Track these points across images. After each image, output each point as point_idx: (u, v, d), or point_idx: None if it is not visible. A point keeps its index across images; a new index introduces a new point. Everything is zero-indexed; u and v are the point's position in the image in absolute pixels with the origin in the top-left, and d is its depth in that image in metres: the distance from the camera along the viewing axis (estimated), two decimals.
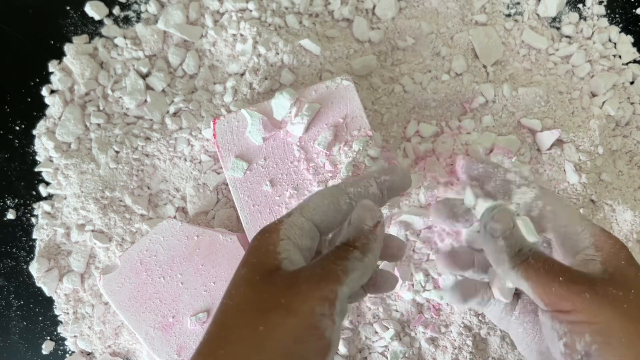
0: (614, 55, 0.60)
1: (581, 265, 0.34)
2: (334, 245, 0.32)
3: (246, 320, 0.28)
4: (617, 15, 0.61)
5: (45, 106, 0.56)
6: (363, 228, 0.33)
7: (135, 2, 0.58)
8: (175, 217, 0.52)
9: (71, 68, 0.55)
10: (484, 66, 0.58)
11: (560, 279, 0.32)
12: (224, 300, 0.30)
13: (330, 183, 0.47)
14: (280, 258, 0.30)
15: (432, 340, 0.51)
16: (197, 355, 0.28)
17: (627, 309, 0.31)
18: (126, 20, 0.58)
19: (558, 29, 0.60)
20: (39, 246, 0.54)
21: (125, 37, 0.56)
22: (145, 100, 0.55)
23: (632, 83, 0.59)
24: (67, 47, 0.56)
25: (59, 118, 0.55)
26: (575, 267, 0.34)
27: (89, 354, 0.53)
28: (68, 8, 0.57)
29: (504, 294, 0.38)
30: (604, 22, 0.60)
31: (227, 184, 0.53)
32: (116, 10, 0.58)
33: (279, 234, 0.31)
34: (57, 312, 0.54)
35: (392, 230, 0.49)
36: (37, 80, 0.56)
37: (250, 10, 0.56)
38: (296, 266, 0.31)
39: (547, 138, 0.55)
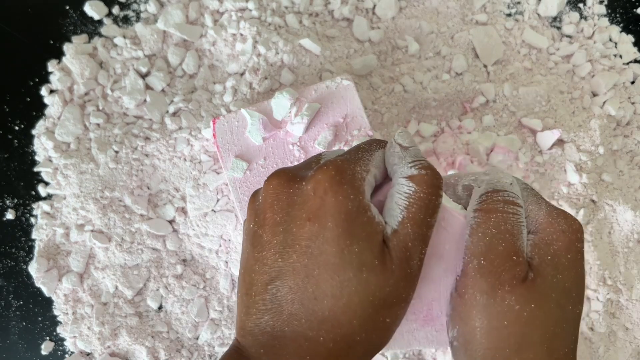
0: (615, 55, 0.59)
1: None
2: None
3: (375, 314, 0.27)
4: (617, 15, 0.61)
5: (45, 106, 0.56)
6: (419, 153, 0.31)
7: (135, 2, 0.58)
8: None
9: (70, 68, 0.55)
10: (485, 66, 0.58)
11: (482, 262, 0.28)
12: (335, 277, 0.27)
13: None
14: (381, 228, 0.28)
15: None
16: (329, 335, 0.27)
17: (506, 324, 0.27)
18: (126, 20, 0.58)
19: (559, 28, 0.60)
20: (38, 246, 0.54)
21: (124, 37, 0.56)
22: (145, 100, 0.55)
23: (632, 83, 0.59)
24: (67, 47, 0.56)
25: (59, 118, 0.55)
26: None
27: (88, 354, 0.53)
28: (67, 8, 0.57)
29: None
30: (605, 21, 0.60)
31: (227, 184, 0.53)
32: (116, 10, 0.57)
33: (366, 197, 0.28)
34: (56, 312, 0.54)
35: None
36: (37, 80, 0.56)
37: (250, 10, 0.56)
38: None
39: (547, 138, 0.54)
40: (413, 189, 0.27)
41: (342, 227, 0.26)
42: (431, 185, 0.28)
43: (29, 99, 0.56)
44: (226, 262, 0.53)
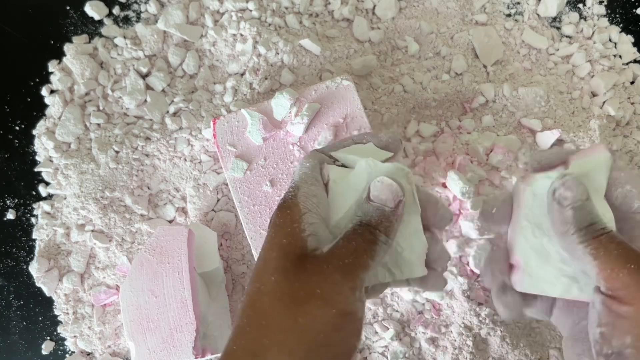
0: (614, 55, 0.59)
1: None
2: (354, 220, 0.32)
3: (285, 310, 0.29)
4: (617, 15, 0.61)
5: (45, 106, 0.56)
6: (384, 210, 0.32)
7: (135, 2, 0.58)
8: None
9: (71, 68, 0.55)
10: (484, 66, 0.58)
11: (632, 266, 0.29)
12: (255, 283, 0.30)
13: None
14: (305, 236, 0.31)
15: (432, 340, 0.51)
16: (240, 338, 0.29)
17: None
18: (126, 20, 0.58)
19: (558, 28, 0.60)
20: (38, 246, 0.54)
21: (125, 37, 0.56)
22: (145, 100, 0.55)
23: (632, 83, 0.59)
24: (67, 47, 0.56)
25: (59, 118, 0.55)
26: None
27: (88, 354, 0.53)
28: (68, 8, 0.57)
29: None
30: (604, 22, 0.60)
31: (227, 184, 0.53)
32: (116, 10, 0.58)
33: (299, 207, 0.32)
34: (57, 312, 0.54)
35: None
36: (37, 80, 0.56)
37: (250, 10, 0.56)
38: (321, 240, 0.31)
39: (547, 138, 0.54)
40: (349, 229, 0.32)
41: (267, 242, 0.31)
42: (363, 233, 0.32)
43: (29, 99, 0.56)
44: (226, 262, 0.53)
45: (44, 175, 0.55)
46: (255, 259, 0.47)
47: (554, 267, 0.34)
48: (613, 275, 0.29)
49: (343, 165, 0.37)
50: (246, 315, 0.30)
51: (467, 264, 0.51)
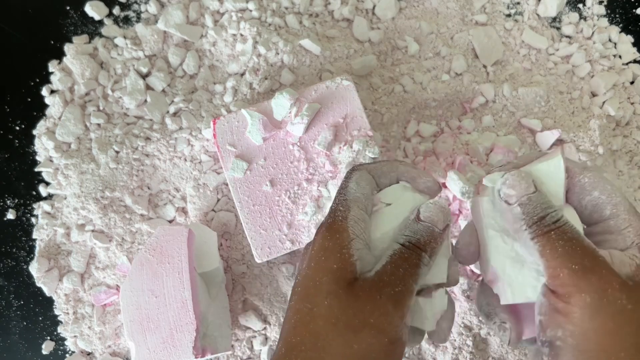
0: (614, 55, 0.60)
1: (617, 263, 0.30)
2: (400, 240, 0.33)
3: (340, 336, 0.30)
4: (617, 15, 0.61)
5: (45, 106, 0.56)
6: (434, 231, 0.33)
7: (135, 2, 0.58)
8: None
9: (71, 68, 0.55)
10: (484, 66, 0.58)
11: (574, 267, 0.29)
12: (306, 304, 0.31)
13: (330, 183, 0.47)
14: (354, 261, 0.31)
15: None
16: (296, 357, 0.30)
17: (620, 325, 0.28)
18: (126, 20, 0.58)
19: (558, 29, 0.60)
20: (39, 246, 0.54)
21: (125, 37, 0.56)
22: (145, 100, 0.55)
23: (632, 83, 0.59)
24: (67, 47, 0.56)
25: (59, 118, 0.55)
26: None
27: (89, 354, 0.53)
28: (68, 8, 0.57)
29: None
30: (604, 22, 0.60)
31: (227, 184, 0.53)
32: (116, 10, 0.58)
33: (348, 233, 0.32)
34: (57, 312, 0.54)
35: None
36: (37, 80, 0.56)
37: (250, 10, 0.56)
38: (365, 264, 0.32)
39: (547, 138, 0.55)
40: (397, 249, 0.32)
41: (317, 264, 0.32)
42: (409, 257, 0.32)
43: (29, 99, 0.56)
44: (226, 262, 0.53)
45: (44, 175, 0.55)
46: (256, 259, 0.47)
47: (530, 270, 0.33)
48: (555, 274, 0.30)
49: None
50: (299, 334, 0.31)
51: None
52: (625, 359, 0.28)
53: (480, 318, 0.51)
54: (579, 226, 0.32)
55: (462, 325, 0.51)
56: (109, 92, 0.55)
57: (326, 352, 0.30)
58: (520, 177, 0.32)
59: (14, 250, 0.55)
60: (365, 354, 0.30)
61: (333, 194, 0.46)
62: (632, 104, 0.59)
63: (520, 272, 0.33)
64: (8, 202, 0.55)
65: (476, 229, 0.36)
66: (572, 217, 0.33)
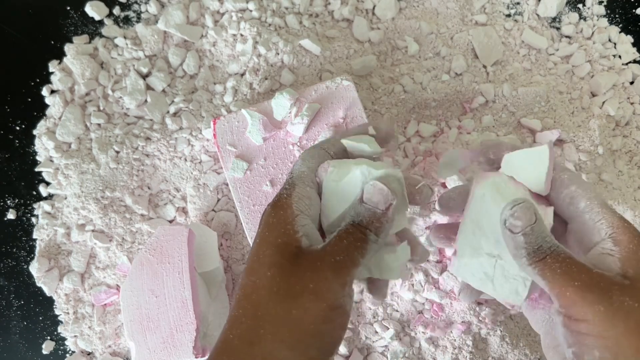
0: (614, 55, 0.60)
1: (598, 261, 0.32)
2: (347, 219, 0.34)
3: (280, 303, 0.31)
4: (617, 16, 0.61)
5: (46, 106, 0.56)
6: (376, 211, 0.34)
7: (136, 2, 0.58)
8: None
9: (71, 68, 0.55)
10: (484, 66, 0.58)
11: (576, 283, 0.30)
12: (250, 277, 0.32)
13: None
14: (299, 237, 0.33)
15: (432, 340, 0.51)
16: (237, 328, 0.31)
17: (637, 323, 0.29)
18: (126, 21, 0.58)
19: (558, 29, 0.60)
20: (39, 246, 0.54)
21: (125, 37, 0.56)
22: (146, 100, 0.55)
23: (632, 83, 0.59)
24: (68, 47, 0.56)
25: (59, 118, 0.55)
26: (592, 261, 0.32)
27: (89, 353, 0.53)
28: (68, 8, 0.58)
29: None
30: (604, 22, 0.60)
31: (227, 184, 0.53)
32: (116, 11, 0.58)
33: (292, 209, 0.33)
34: (57, 312, 0.54)
35: None
36: (38, 80, 0.56)
37: (250, 11, 0.56)
38: (312, 239, 0.34)
39: (547, 138, 0.55)
40: (343, 228, 0.34)
41: (261, 239, 0.33)
42: (354, 232, 0.33)
43: (30, 99, 0.56)
44: (226, 262, 0.53)
45: (45, 175, 0.55)
46: None
47: (479, 264, 0.37)
48: (561, 295, 0.31)
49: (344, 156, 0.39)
50: (241, 306, 0.31)
51: None
52: None
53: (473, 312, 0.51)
54: (549, 223, 0.35)
55: (462, 324, 0.51)
56: (109, 92, 0.55)
57: (265, 320, 0.30)
58: (526, 209, 0.34)
59: (14, 250, 0.55)
60: (302, 318, 0.30)
61: None
62: (631, 104, 0.59)
63: (471, 260, 0.38)
64: (8, 202, 0.55)
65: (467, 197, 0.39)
66: (546, 216, 0.35)
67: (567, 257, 0.32)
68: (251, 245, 0.36)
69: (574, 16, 0.60)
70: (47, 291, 0.53)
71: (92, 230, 0.53)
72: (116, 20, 0.58)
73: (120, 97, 0.55)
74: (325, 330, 0.31)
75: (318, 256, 0.32)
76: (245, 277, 0.32)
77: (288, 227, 0.33)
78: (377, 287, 0.39)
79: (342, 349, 0.51)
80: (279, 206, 0.34)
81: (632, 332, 0.29)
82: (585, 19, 0.60)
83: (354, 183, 0.36)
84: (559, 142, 0.55)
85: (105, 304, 0.53)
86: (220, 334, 0.32)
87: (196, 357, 0.44)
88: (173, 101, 0.55)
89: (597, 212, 0.33)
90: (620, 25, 0.60)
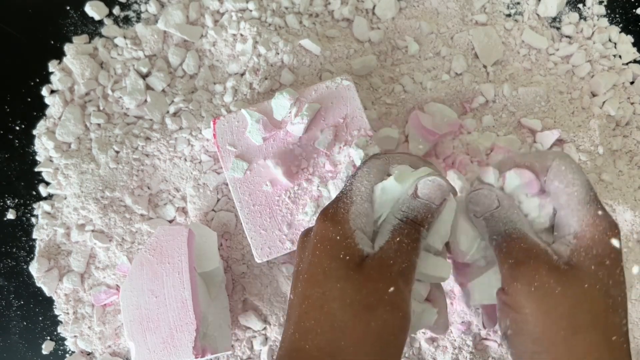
0: (614, 55, 0.60)
1: (556, 250, 0.33)
2: (397, 215, 0.34)
3: (356, 316, 0.31)
4: (617, 15, 0.61)
5: (45, 106, 0.56)
6: (431, 206, 0.34)
7: (135, 2, 0.58)
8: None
9: (71, 68, 0.55)
10: (484, 66, 0.58)
11: (511, 261, 0.32)
12: (317, 289, 0.32)
13: (330, 183, 0.47)
14: (361, 248, 0.32)
15: (432, 340, 0.51)
16: (313, 339, 0.31)
17: (553, 306, 0.31)
18: (126, 20, 0.58)
19: (558, 29, 0.60)
20: (39, 246, 0.54)
21: (125, 37, 0.56)
22: (145, 100, 0.55)
23: (632, 83, 0.59)
24: (67, 47, 0.56)
25: (59, 118, 0.55)
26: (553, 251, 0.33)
27: (89, 354, 0.53)
28: (68, 8, 0.57)
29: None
30: (604, 22, 0.60)
31: (227, 184, 0.53)
32: (116, 10, 0.58)
33: (349, 224, 0.33)
34: (57, 312, 0.54)
35: None
36: (37, 80, 0.56)
37: (250, 10, 0.56)
38: (369, 249, 0.33)
39: (547, 138, 0.55)
40: (396, 224, 0.34)
41: (322, 252, 0.32)
42: (409, 232, 0.33)
43: (29, 99, 0.56)
44: (226, 262, 0.53)
45: (44, 175, 0.55)
46: (256, 259, 0.47)
47: (487, 278, 0.37)
48: (501, 271, 0.33)
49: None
50: (313, 317, 0.31)
51: None
52: (565, 338, 0.30)
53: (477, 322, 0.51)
54: (547, 214, 0.35)
55: (462, 325, 0.51)
56: (109, 92, 0.55)
57: (343, 333, 0.30)
58: (484, 195, 0.35)
59: (14, 250, 0.55)
60: (382, 330, 0.30)
61: (333, 194, 0.46)
62: (632, 104, 0.59)
63: (486, 274, 0.37)
64: (8, 202, 0.55)
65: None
66: (545, 207, 0.35)
67: (519, 237, 0.33)
68: (304, 235, 0.35)
69: (574, 16, 0.60)
70: (47, 291, 0.53)
71: (92, 230, 0.53)
72: (116, 20, 0.58)
73: (120, 97, 0.55)
74: (401, 340, 0.31)
75: (385, 264, 0.32)
76: (310, 288, 0.32)
77: (349, 240, 0.32)
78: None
79: None
80: (337, 221, 0.33)
81: (542, 312, 0.31)
82: (585, 19, 0.60)
83: (404, 178, 0.35)
84: (559, 142, 0.55)
85: (105, 304, 0.53)
86: (287, 342, 0.32)
87: (196, 357, 0.44)
88: (173, 101, 0.55)
89: (572, 210, 0.34)
90: (621, 25, 0.60)
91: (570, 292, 0.31)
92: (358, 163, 0.46)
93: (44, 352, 0.53)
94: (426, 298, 0.37)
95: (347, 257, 0.32)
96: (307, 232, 0.36)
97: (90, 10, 0.57)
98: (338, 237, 0.32)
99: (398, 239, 0.33)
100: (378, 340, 0.30)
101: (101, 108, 0.55)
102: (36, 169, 0.55)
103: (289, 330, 0.32)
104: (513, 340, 0.33)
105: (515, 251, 0.32)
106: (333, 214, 0.34)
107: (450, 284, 0.51)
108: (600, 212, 0.32)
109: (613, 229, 0.32)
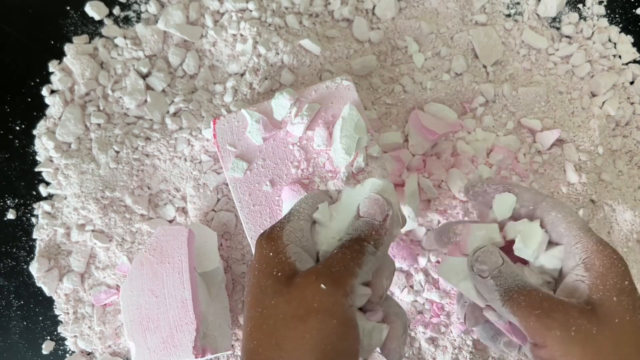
0: (614, 55, 0.60)
1: (571, 289, 0.33)
2: (345, 239, 0.35)
3: (291, 329, 0.30)
4: (617, 15, 0.61)
5: (46, 106, 0.56)
6: (374, 223, 0.35)
7: (135, 2, 0.58)
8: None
9: (71, 68, 0.55)
10: (484, 66, 0.58)
11: (537, 312, 0.32)
12: (257, 308, 0.32)
13: (330, 183, 0.47)
14: (292, 261, 0.33)
15: (432, 340, 0.51)
16: (253, 358, 0.31)
17: (596, 348, 0.30)
18: (126, 21, 0.58)
19: (558, 29, 0.60)
20: (39, 246, 0.54)
21: (125, 37, 0.56)
22: (146, 100, 0.55)
23: (632, 83, 0.59)
24: (67, 47, 0.56)
25: (59, 118, 0.55)
26: (567, 289, 0.34)
27: (89, 353, 0.53)
28: (68, 8, 0.58)
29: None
30: (604, 22, 0.60)
31: (227, 184, 0.53)
32: (116, 11, 0.58)
33: (282, 240, 0.34)
34: (57, 312, 0.54)
35: None
36: (37, 80, 0.56)
37: (250, 11, 0.56)
38: (306, 264, 0.33)
39: (547, 138, 0.55)
40: (341, 244, 0.34)
41: (259, 271, 0.33)
42: (351, 246, 0.34)
43: (29, 99, 0.56)
44: (226, 262, 0.53)
45: (44, 175, 0.55)
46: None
47: (462, 262, 0.38)
48: (527, 325, 0.32)
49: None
50: (255, 338, 0.31)
51: None
52: None
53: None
54: (536, 247, 0.36)
55: (463, 324, 0.51)
56: (109, 92, 0.55)
57: (282, 349, 0.30)
58: (490, 253, 0.35)
59: (14, 250, 0.55)
60: (317, 340, 0.30)
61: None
62: (632, 104, 0.59)
63: (462, 259, 0.39)
64: (8, 202, 0.55)
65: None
66: (531, 236, 0.36)
67: (533, 289, 0.33)
68: (247, 274, 0.36)
69: (574, 16, 0.60)
70: (47, 291, 0.53)
71: (92, 230, 0.53)
72: (116, 20, 0.58)
73: (120, 97, 0.55)
74: (343, 347, 0.31)
75: (314, 271, 0.32)
76: (251, 309, 0.32)
77: (280, 255, 0.33)
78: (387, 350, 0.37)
79: None
80: (271, 238, 0.34)
81: (588, 356, 0.30)
82: (585, 19, 0.60)
83: (348, 206, 0.37)
84: (559, 142, 0.55)
85: (105, 304, 0.53)
86: None
87: (196, 357, 0.44)
88: (173, 101, 0.55)
89: (574, 236, 0.34)
90: (620, 25, 0.60)
91: (607, 331, 0.30)
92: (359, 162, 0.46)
93: (44, 352, 0.53)
94: (383, 320, 0.36)
95: (279, 273, 0.32)
96: (251, 262, 0.37)
97: (90, 10, 0.57)
98: (271, 254, 0.33)
99: (339, 253, 0.33)
100: (315, 351, 0.30)
101: (101, 108, 0.55)
102: (36, 169, 0.55)
103: (241, 356, 0.33)
104: None
105: (537, 302, 0.32)
106: (268, 232, 0.35)
107: (449, 285, 0.51)
108: (600, 239, 0.34)
109: (616, 251, 0.33)
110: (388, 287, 0.36)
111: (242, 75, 0.55)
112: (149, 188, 0.54)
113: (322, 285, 0.30)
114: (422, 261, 0.52)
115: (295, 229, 0.35)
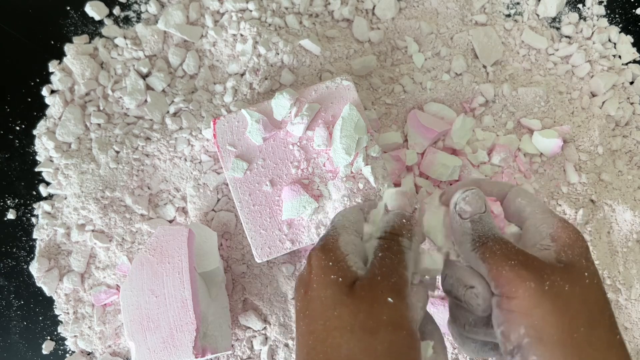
0: (614, 56, 0.60)
1: (536, 254, 0.33)
2: (376, 235, 0.35)
3: (360, 342, 0.30)
4: (617, 16, 0.61)
5: (46, 106, 0.56)
6: (404, 215, 0.35)
7: (136, 2, 0.58)
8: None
9: (71, 68, 0.55)
10: (484, 66, 0.58)
11: (512, 262, 0.31)
12: (319, 321, 0.31)
13: (330, 183, 0.47)
14: (355, 269, 0.32)
15: None
16: None
17: (566, 304, 0.30)
18: (126, 21, 0.58)
19: (558, 29, 0.60)
20: (39, 246, 0.54)
21: (125, 37, 0.56)
22: (146, 100, 0.55)
23: (631, 83, 0.59)
24: (68, 47, 0.56)
25: (59, 118, 0.55)
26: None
27: (89, 353, 0.53)
28: (68, 8, 0.58)
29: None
30: (604, 22, 0.60)
31: (227, 184, 0.53)
32: (116, 11, 0.58)
33: (341, 250, 0.33)
34: (57, 312, 0.54)
35: None
36: (38, 80, 0.56)
37: (250, 11, 0.56)
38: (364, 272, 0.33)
39: (551, 149, 0.54)
40: (377, 245, 0.34)
41: (317, 283, 0.32)
42: (390, 245, 0.34)
43: (30, 99, 0.56)
44: (226, 262, 0.53)
45: (45, 175, 0.55)
46: (256, 259, 0.47)
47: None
48: (498, 274, 0.32)
49: None
50: (320, 351, 0.30)
51: None
52: (585, 335, 0.30)
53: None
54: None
55: None
56: (109, 92, 0.55)
57: None
58: (478, 196, 0.35)
59: (14, 250, 0.55)
60: (390, 350, 0.30)
61: (333, 194, 0.46)
62: (631, 104, 0.59)
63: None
64: (8, 202, 0.55)
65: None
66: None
67: (509, 242, 0.33)
68: (299, 279, 0.35)
69: (574, 16, 0.60)
70: (47, 291, 0.53)
71: (92, 230, 0.53)
72: (116, 20, 0.58)
73: (120, 97, 0.55)
74: (412, 357, 0.30)
75: (373, 283, 0.31)
76: (312, 323, 0.32)
77: (341, 264, 0.32)
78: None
79: None
80: (328, 249, 0.33)
81: (559, 311, 0.30)
82: (585, 19, 0.60)
83: (379, 210, 0.38)
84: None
85: (105, 304, 0.53)
86: None
87: (196, 357, 0.44)
88: (173, 101, 0.55)
89: (540, 218, 0.35)
90: (620, 25, 0.60)
91: (577, 289, 0.31)
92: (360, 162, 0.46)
93: (44, 352, 0.53)
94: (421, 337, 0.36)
95: (340, 279, 0.32)
96: (300, 276, 0.36)
97: (90, 10, 0.57)
98: (330, 263, 0.33)
99: (381, 255, 0.33)
100: None
101: (101, 108, 0.55)
102: (36, 169, 0.55)
103: None
104: (532, 348, 0.31)
105: (513, 253, 0.32)
106: (323, 245, 0.34)
107: None
108: (563, 218, 0.34)
109: (578, 230, 0.34)
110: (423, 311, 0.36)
111: (242, 75, 0.55)
112: (149, 188, 0.54)
113: (390, 299, 0.31)
114: None
115: (349, 242, 0.34)
